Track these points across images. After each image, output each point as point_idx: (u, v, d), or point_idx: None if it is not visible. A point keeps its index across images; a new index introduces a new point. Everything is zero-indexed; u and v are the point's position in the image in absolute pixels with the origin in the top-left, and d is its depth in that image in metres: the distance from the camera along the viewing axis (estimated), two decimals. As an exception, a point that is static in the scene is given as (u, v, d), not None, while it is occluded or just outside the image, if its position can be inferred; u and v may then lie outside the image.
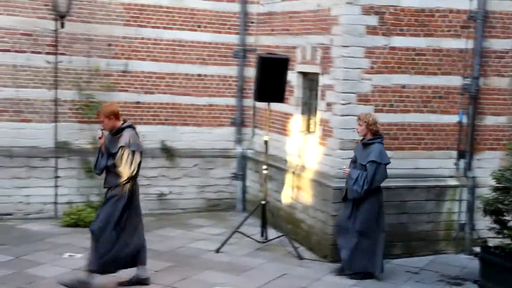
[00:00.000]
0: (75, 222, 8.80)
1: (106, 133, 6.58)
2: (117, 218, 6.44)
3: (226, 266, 7.39)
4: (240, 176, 10.21)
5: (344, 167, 7.35)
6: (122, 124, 6.54)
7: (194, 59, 9.89)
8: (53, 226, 8.82)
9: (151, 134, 9.72)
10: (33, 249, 7.75)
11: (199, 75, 9.96)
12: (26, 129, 9.05)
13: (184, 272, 7.18)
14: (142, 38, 9.58)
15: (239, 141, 10.25)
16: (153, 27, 9.62)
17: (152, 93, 9.72)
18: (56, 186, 9.23)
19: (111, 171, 6.46)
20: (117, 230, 6.46)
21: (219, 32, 9.98)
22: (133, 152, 6.42)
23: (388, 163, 7.24)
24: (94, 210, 8.95)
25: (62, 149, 9.26)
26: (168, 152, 9.82)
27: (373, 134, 7.21)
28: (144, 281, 6.66)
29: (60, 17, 8.93)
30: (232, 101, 10.18)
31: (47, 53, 9.06)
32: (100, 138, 6.55)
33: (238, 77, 10.14)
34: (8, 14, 8.81)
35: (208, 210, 10.08)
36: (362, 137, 7.29)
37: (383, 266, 7.30)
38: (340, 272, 7.34)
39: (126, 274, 6.70)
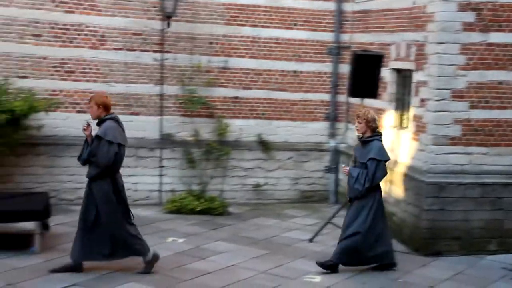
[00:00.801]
0: (178, 209, 9.35)
1: (92, 125, 6.60)
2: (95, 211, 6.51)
3: (318, 255, 7.62)
4: (333, 169, 10.47)
5: (343, 165, 7.36)
6: (105, 115, 6.56)
7: (290, 56, 10.24)
8: (158, 212, 9.40)
9: (248, 128, 10.18)
10: (140, 232, 8.33)
11: (295, 71, 10.30)
12: (135, 121, 9.67)
13: (278, 259, 7.48)
14: (242, 37, 10.03)
15: (332, 135, 10.52)
16: (251, 25, 10.05)
17: (249, 88, 10.16)
18: (160, 175, 9.83)
19: (92, 161, 6.51)
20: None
21: (315, 30, 10.28)
22: (109, 142, 6.43)
23: (388, 160, 7.16)
24: (195, 198, 9.53)
25: (166, 140, 9.87)
26: (264, 145, 10.22)
27: (372, 132, 7.13)
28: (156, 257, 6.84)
29: (167, 17, 9.51)
30: (326, 97, 10.46)
31: (155, 51, 9.70)
32: (85, 129, 6.52)
33: (332, 74, 10.41)
34: (122, 16, 9.49)
35: (302, 201, 10.41)
36: (361, 135, 7.17)
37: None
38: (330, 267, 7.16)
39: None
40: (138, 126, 9.72)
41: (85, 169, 9.55)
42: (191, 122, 9.89)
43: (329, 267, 7.10)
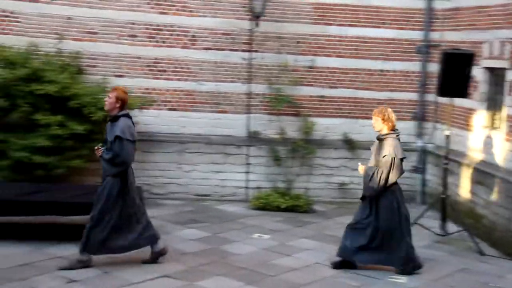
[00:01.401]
0: (263, 206, 9.50)
1: (102, 149, 6.56)
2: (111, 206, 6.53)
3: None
4: (420, 169, 10.32)
5: (359, 163, 7.16)
6: (118, 112, 6.53)
7: (376, 55, 10.16)
8: (244, 208, 9.58)
9: (334, 127, 10.20)
10: (227, 228, 8.47)
11: (381, 70, 10.22)
12: (223, 119, 9.91)
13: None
14: (328, 36, 10.06)
15: (419, 135, 10.36)
16: (338, 25, 10.05)
17: (335, 87, 10.18)
18: (247, 172, 10.01)
19: (106, 159, 6.50)
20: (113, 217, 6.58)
21: (403, 29, 10.15)
22: (128, 141, 6.45)
23: (404, 158, 6.92)
24: (280, 195, 9.65)
25: (253, 138, 10.05)
26: (349, 144, 10.21)
27: (389, 129, 6.93)
28: (162, 251, 6.91)
29: (256, 17, 9.68)
30: (413, 96, 10.31)
31: (243, 51, 9.89)
32: (97, 150, 6.56)
33: (421, 73, 10.25)
34: (212, 16, 9.75)
35: (387, 201, 10.33)
36: (378, 133, 7.01)
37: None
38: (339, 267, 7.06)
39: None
40: (226, 124, 9.95)
41: (174, 165, 9.90)
42: (278, 120, 10.02)
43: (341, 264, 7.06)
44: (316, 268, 7.10)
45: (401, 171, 6.92)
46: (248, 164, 10.01)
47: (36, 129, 8.70)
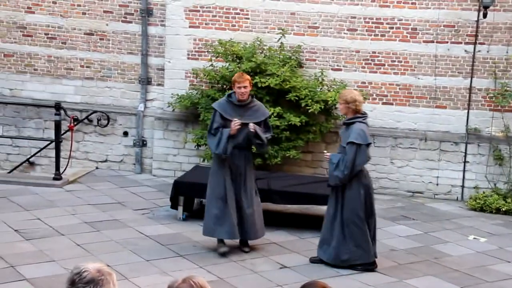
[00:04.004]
0: (481, 207, 8.99)
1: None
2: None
3: None
4: None
5: (325, 151, 6.41)
6: (355, 115, 6.57)
7: None
8: (459, 208, 9.17)
9: None
10: (440, 227, 8.22)
11: None
12: (440, 114, 9.56)
13: None
14: None
15: None
16: None
17: None
18: (464, 171, 9.57)
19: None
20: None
21: None
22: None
23: (369, 143, 6.55)
24: (501, 197, 9.06)
25: (472, 135, 9.56)
26: None
27: (354, 113, 6.50)
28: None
29: (484, 7, 9.15)
30: None
31: (466, 43, 9.41)
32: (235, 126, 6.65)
33: None
34: (435, 8, 9.41)
35: None
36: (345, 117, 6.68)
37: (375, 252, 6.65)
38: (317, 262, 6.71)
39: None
40: (443, 120, 9.59)
41: (387, 160, 9.80)
42: (501, 117, 9.40)
43: None
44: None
45: (367, 158, 6.60)
46: (466, 162, 9.55)
47: (258, 119, 9.19)
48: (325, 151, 6.97)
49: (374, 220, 6.70)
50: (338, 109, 9.30)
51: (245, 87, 6.78)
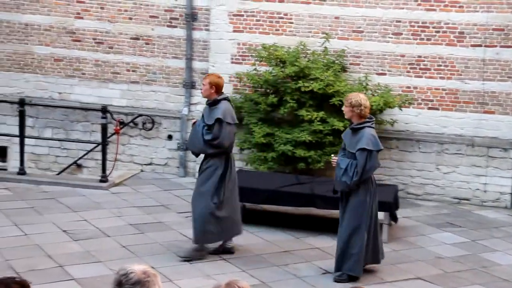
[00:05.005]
0: (530, 215, 8.83)
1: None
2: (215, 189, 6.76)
3: None
4: None
5: (332, 155, 6.32)
6: (217, 96, 6.73)
7: None
8: (508, 215, 8.95)
9: None
10: (488, 235, 8.05)
11: None
12: (488, 120, 9.36)
13: None
14: None
15: None
16: None
17: None
18: (513, 178, 9.39)
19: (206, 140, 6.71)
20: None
21: None
22: (229, 124, 6.71)
23: (380, 149, 6.34)
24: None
25: (523, 142, 9.34)
26: None
27: (361, 118, 6.30)
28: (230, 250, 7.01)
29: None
30: None
31: (516, 47, 9.23)
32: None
33: None
34: (484, 11, 9.21)
35: None
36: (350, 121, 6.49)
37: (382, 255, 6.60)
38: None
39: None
40: (491, 125, 9.38)
41: (432, 166, 9.65)
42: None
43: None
44: None
45: (377, 165, 6.45)
46: (515, 169, 9.34)
47: (300, 124, 9.18)
48: (332, 155, 6.76)
49: (375, 230, 6.52)
50: (382, 114, 9.25)
51: (203, 84, 6.92)
